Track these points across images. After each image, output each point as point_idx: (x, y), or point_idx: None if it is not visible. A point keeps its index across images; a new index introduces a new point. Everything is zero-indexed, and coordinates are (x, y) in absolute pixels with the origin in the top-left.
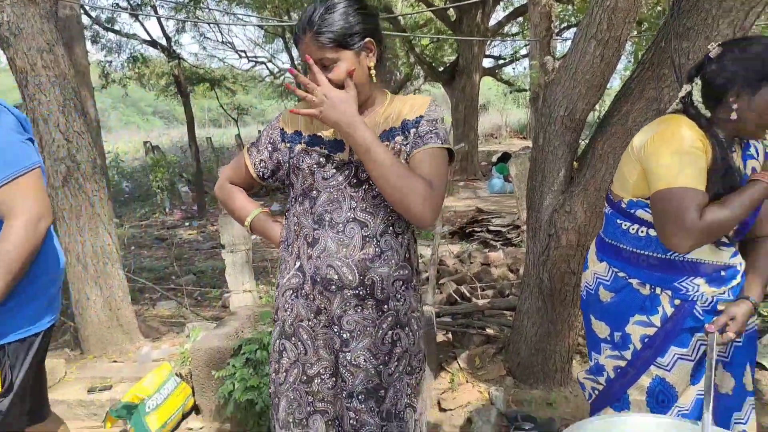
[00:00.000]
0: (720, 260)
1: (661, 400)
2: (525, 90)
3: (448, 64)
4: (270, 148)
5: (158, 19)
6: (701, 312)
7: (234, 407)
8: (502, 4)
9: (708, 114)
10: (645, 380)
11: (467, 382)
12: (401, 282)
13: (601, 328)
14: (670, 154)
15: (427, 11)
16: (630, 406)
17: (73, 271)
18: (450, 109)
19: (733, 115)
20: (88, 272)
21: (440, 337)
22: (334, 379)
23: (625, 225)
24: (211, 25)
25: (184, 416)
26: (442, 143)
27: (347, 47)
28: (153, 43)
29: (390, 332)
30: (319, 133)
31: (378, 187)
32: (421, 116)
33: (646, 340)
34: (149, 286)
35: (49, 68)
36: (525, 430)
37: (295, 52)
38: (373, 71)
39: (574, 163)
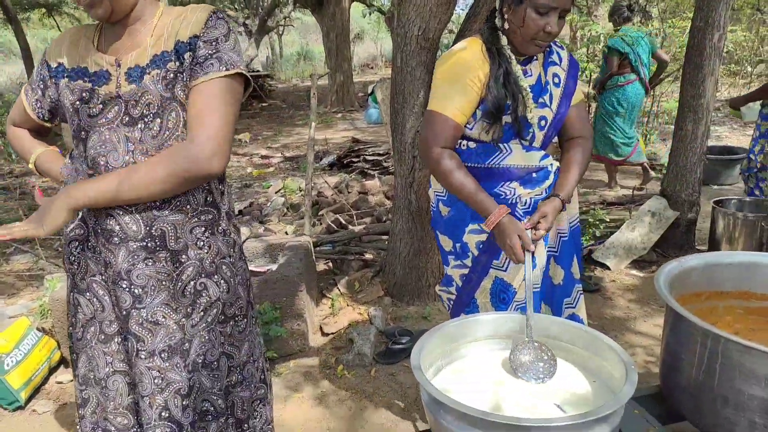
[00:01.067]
0: (530, 163)
1: (502, 298)
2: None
3: None
4: (42, 86)
5: None
6: (522, 213)
7: None
8: None
9: (500, 24)
10: (487, 283)
11: (348, 305)
12: (203, 228)
13: (446, 242)
14: (439, 78)
15: None
16: (479, 309)
17: None
18: (322, 37)
19: (506, 25)
20: None
21: (320, 266)
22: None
23: (460, 135)
24: None
25: (51, 371)
26: (227, 69)
27: None
28: None
29: (192, 283)
30: (82, 64)
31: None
32: (197, 36)
33: (480, 246)
34: None
35: None
36: (402, 344)
37: None
38: None
39: None
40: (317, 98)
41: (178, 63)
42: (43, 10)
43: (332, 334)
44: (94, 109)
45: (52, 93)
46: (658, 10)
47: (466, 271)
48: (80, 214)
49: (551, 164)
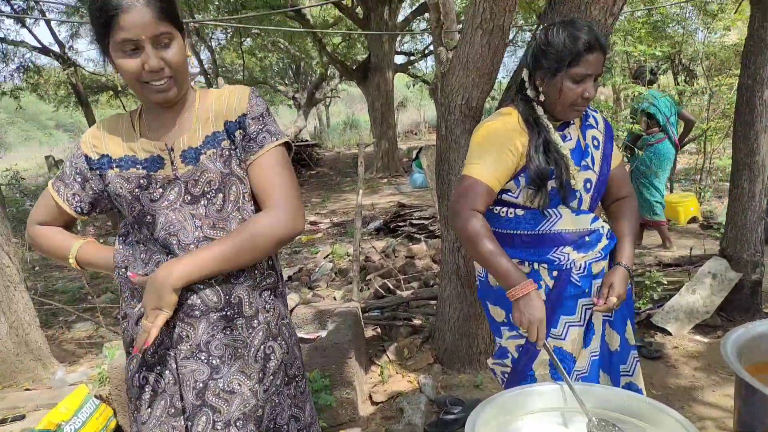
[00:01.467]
0: (582, 227)
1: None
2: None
3: (360, 62)
4: (79, 180)
5: (48, 24)
6: (578, 278)
7: None
8: (408, 0)
9: (533, 95)
10: (545, 354)
11: (397, 373)
12: (269, 291)
13: (498, 313)
14: (475, 144)
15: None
16: (537, 381)
17: None
18: (367, 106)
19: (541, 97)
20: None
21: (369, 332)
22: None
23: (495, 210)
24: None
25: None
26: (278, 139)
27: (177, 24)
28: (45, 51)
29: (262, 347)
30: (130, 153)
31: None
32: (244, 115)
33: None
34: (61, 308)
35: None
36: (454, 414)
37: (206, 56)
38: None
39: None
40: (364, 165)
41: (229, 141)
42: (111, 92)
43: (382, 402)
44: (154, 194)
45: (95, 185)
46: (702, 68)
47: (522, 341)
48: None
49: (602, 226)
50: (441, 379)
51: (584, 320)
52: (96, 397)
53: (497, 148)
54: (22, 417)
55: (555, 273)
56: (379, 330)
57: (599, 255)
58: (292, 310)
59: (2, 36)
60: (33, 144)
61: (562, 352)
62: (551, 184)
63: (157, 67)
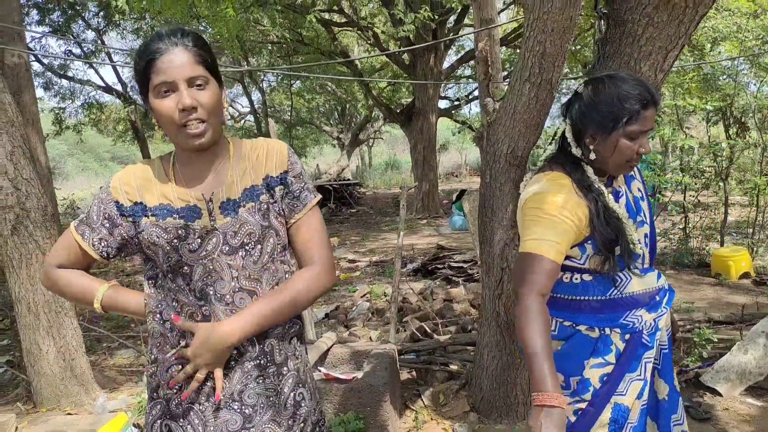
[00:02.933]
0: (650, 286)
1: (620, 424)
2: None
3: (405, 106)
4: (107, 225)
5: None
6: (648, 338)
7: None
8: (453, 48)
9: (579, 153)
10: (606, 414)
11: (432, 419)
12: (296, 338)
13: None
14: (533, 217)
15: (381, 55)
16: None
17: (24, 321)
18: (410, 148)
19: (592, 155)
20: (40, 322)
21: (404, 375)
22: None
23: (558, 275)
24: None
25: None
26: (315, 196)
27: (214, 72)
28: (108, 89)
29: (292, 394)
30: (165, 201)
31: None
32: (286, 172)
33: (604, 378)
34: (105, 334)
35: None
36: None
37: (256, 96)
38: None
39: None
40: (406, 207)
41: (269, 195)
42: None
43: None
44: (192, 244)
45: (125, 231)
46: (755, 120)
47: (583, 405)
48: (183, 342)
49: (666, 282)
50: (477, 428)
51: (645, 374)
52: (134, 425)
53: (558, 219)
54: None
55: (627, 336)
56: (414, 373)
57: (665, 310)
58: (328, 350)
59: (71, 75)
60: (89, 174)
61: (619, 408)
62: (618, 250)
63: (189, 105)
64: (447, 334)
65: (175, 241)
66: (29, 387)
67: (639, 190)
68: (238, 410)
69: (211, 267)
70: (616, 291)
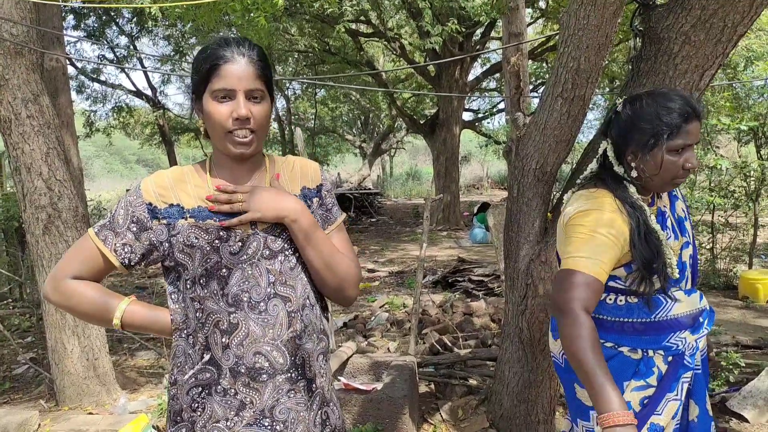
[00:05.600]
0: (694, 308)
1: None
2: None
3: (428, 117)
4: (134, 229)
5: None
6: (689, 359)
7: None
8: (479, 60)
9: (621, 171)
10: None
11: None
12: (322, 356)
13: (586, 396)
14: (580, 234)
15: (407, 67)
16: None
17: (51, 320)
18: (432, 159)
19: (634, 173)
20: (66, 321)
21: (423, 388)
22: None
23: (602, 296)
24: None
25: None
26: (342, 213)
27: (270, 90)
28: (138, 94)
29: (319, 411)
30: (204, 205)
31: (316, 273)
32: (321, 185)
33: (645, 401)
34: (128, 335)
35: (33, 118)
36: None
37: (281, 104)
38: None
39: (549, 214)
40: (429, 219)
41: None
42: (192, 134)
43: None
44: (234, 247)
45: (154, 236)
46: None
47: None
48: (207, 356)
49: (707, 303)
50: None
51: (682, 395)
52: (154, 427)
53: (603, 237)
54: None
55: (670, 358)
56: (433, 387)
57: (706, 331)
58: (348, 359)
59: (104, 79)
60: (115, 177)
61: (654, 428)
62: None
63: (244, 116)
64: (467, 348)
65: (217, 242)
66: (52, 385)
67: (683, 210)
68: (269, 427)
69: (249, 272)
70: (662, 313)
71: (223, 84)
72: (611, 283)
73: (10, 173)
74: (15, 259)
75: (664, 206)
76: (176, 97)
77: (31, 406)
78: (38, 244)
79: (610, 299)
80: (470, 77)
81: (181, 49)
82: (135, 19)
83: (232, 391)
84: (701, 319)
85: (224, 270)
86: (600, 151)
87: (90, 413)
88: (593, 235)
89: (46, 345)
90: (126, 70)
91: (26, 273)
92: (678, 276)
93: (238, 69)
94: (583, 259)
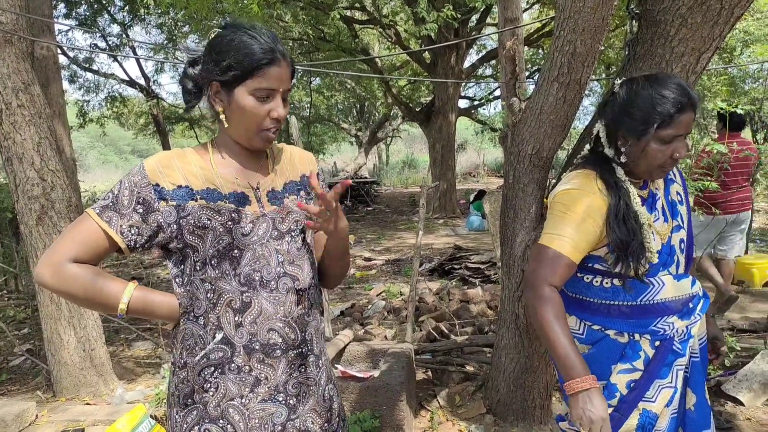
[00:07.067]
0: (684, 293)
1: (647, 431)
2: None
3: (424, 105)
4: (141, 210)
5: (137, 59)
6: (679, 345)
7: None
8: (475, 47)
9: (611, 153)
10: (633, 420)
11: (447, 420)
12: (322, 334)
13: None
14: (555, 214)
15: (402, 53)
16: None
17: (47, 311)
18: (428, 147)
19: (623, 158)
20: (62, 312)
21: (420, 375)
22: None
23: (587, 278)
24: None
25: None
26: None
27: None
28: (131, 83)
29: (326, 387)
30: (213, 187)
31: (331, 262)
32: (318, 174)
33: (632, 385)
34: (124, 326)
35: (24, 107)
36: None
37: None
38: None
39: (544, 199)
40: (425, 206)
41: (305, 192)
42: (186, 123)
43: None
44: (245, 228)
45: (162, 217)
46: None
47: (609, 410)
48: (220, 335)
49: (700, 289)
50: (493, 430)
51: (676, 382)
52: (152, 417)
53: (579, 217)
54: (82, 430)
55: (657, 343)
56: (430, 374)
57: (698, 317)
58: (345, 347)
59: (96, 69)
60: (109, 167)
61: (647, 414)
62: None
63: (284, 117)
64: (463, 335)
65: (229, 223)
66: (49, 376)
67: (678, 193)
68: (283, 402)
69: (260, 252)
70: (647, 297)
71: (267, 84)
72: (596, 266)
73: (2, 164)
74: (9, 251)
75: (656, 189)
76: (170, 87)
77: (29, 398)
78: (32, 235)
79: (596, 281)
80: (466, 64)
81: (174, 37)
82: (127, 8)
83: (247, 368)
84: (691, 305)
85: (236, 251)
86: (594, 132)
87: (87, 404)
88: (570, 214)
89: (42, 336)
90: (119, 59)
91: (21, 264)
92: (656, 260)
93: (280, 71)
94: (557, 236)
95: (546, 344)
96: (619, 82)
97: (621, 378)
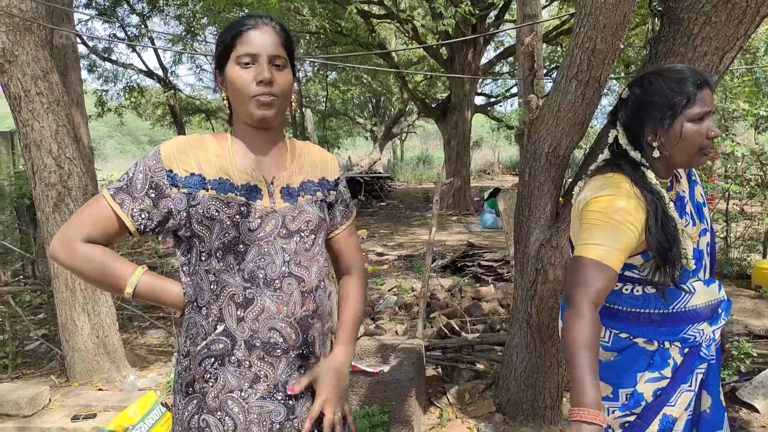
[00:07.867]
0: (713, 298)
1: None
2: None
3: (440, 101)
4: (153, 195)
5: (155, 50)
6: (706, 350)
7: None
8: (492, 44)
9: (638, 156)
10: (654, 426)
11: (456, 417)
12: (330, 335)
13: (602, 387)
14: (592, 223)
15: (419, 48)
16: None
17: (61, 297)
18: (443, 143)
19: (656, 153)
20: (76, 299)
21: (430, 372)
22: None
23: (617, 286)
24: (208, 57)
25: None
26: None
27: (292, 57)
28: (149, 74)
29: None
30: (224, 176)
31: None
32: (339, 180)
33: (658, 392)
34: (138, 314)
35: (43, 95)
36: None
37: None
38: (294, 102)
39: (560, 198)
40: (439, 203)
41: (322, 195)
42: (203, 115)
43: None
44: (253, 223)
45: (173, 204)
46: None
47: (631, 418)
48: (221, 327)
49: (725, 294)
50: (502, 429)
51: (696, 386)
52: (162, 404)
53: (617, 224)
54: (93, 416)
55: (687, 350)
56: (440, 370)
57: (723, 321)
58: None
59: (114, 59)
60: (127, 157)
61: (667, 419)
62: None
63: (267, 78)
64: (474, 332)
65: (237, 216)
66: (63, 361)
67: (701, 195)
68: (282, 401)
69: (265, 249)
70: (679, 305)
71: (247, 49)
72: (628, 273)
73: (20, 151)
74: (27, 237)
75: (683, 191)
76: (188, 78)
77: (43, 381)
78: (48, 222)
79: (627, 289)
80: (483, 61)
81: (192, 29)
82: None
83: (247, 363)
84: (720, 310)
85: (241, 246)
86: (610, 139)
87: (100, 389)
88: (608, 221)
89: (57, 322)
90: (137, 49)
91: (38, 250)
92: (694, 266)
93: (262, 35)
94: (596, 246)
95: (569, 364)
96: (626, 86)
97: (648, 387)
